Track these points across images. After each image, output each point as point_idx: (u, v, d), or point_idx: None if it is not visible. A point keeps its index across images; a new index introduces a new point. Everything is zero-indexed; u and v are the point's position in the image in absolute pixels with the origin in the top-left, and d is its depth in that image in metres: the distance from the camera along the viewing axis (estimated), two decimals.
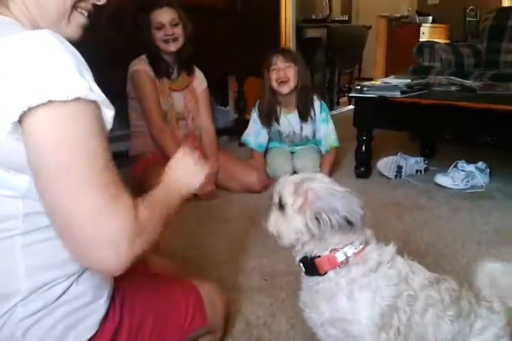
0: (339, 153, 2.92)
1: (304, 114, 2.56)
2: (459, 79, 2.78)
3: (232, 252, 1.71)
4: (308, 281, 0.93)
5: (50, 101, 0.65)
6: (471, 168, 2.37)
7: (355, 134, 2.59)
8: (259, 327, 1.29)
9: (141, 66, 2.30)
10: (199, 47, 2.43)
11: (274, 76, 2.46)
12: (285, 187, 0.89)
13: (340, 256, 0.87)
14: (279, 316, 1.33)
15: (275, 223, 0.90)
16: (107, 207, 0.68)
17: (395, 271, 0.90)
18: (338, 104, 4.61)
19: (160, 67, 2.33)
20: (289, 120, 2.60)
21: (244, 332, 1.27)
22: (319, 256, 0.89)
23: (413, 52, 3.54)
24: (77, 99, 0.67)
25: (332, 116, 2.71)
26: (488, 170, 2.43)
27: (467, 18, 5.12)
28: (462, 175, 2.35)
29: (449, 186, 2.36)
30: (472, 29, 5.00)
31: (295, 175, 0.94)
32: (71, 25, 0.83)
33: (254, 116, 2.63)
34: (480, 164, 2.41)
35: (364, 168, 2.60)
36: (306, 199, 0.85)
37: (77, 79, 0.67)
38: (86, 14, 0.85)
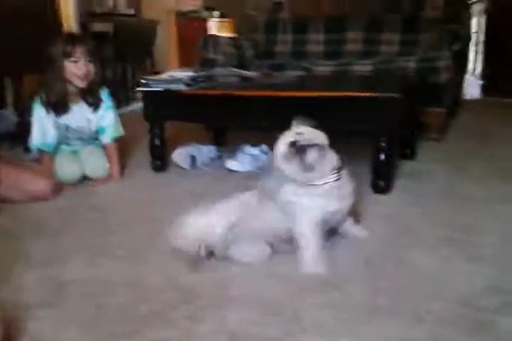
0: (135, 148, 2.89)
1: (96, 104, 2.45)
2: (239, 71, 2.95)
3: (13, 267, 1.56)
4: None
5: None
6: (255, 151, 2.56)
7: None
8: None
9: None
10: None
11: (73, 68, 2.31)
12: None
13: None
14: (72, 327, 1.26)
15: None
16: None
17: None
18: (134, 98, 4.53)
19: None
20: (75, 112, 2.44)
21: None
22: None
23: (199, 46, 3.65)
24: None
25: (129, 112, 2.64)
26: (270, 151, 2.65)
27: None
28: (248, 158, 2.52)
29: (239, 169, 2.51)
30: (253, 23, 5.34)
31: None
32: None
33: (38, 113, 2.39)
34: (263, 147, 2.61)
35: (160, 161, 2.61)
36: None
37: None
38: None
